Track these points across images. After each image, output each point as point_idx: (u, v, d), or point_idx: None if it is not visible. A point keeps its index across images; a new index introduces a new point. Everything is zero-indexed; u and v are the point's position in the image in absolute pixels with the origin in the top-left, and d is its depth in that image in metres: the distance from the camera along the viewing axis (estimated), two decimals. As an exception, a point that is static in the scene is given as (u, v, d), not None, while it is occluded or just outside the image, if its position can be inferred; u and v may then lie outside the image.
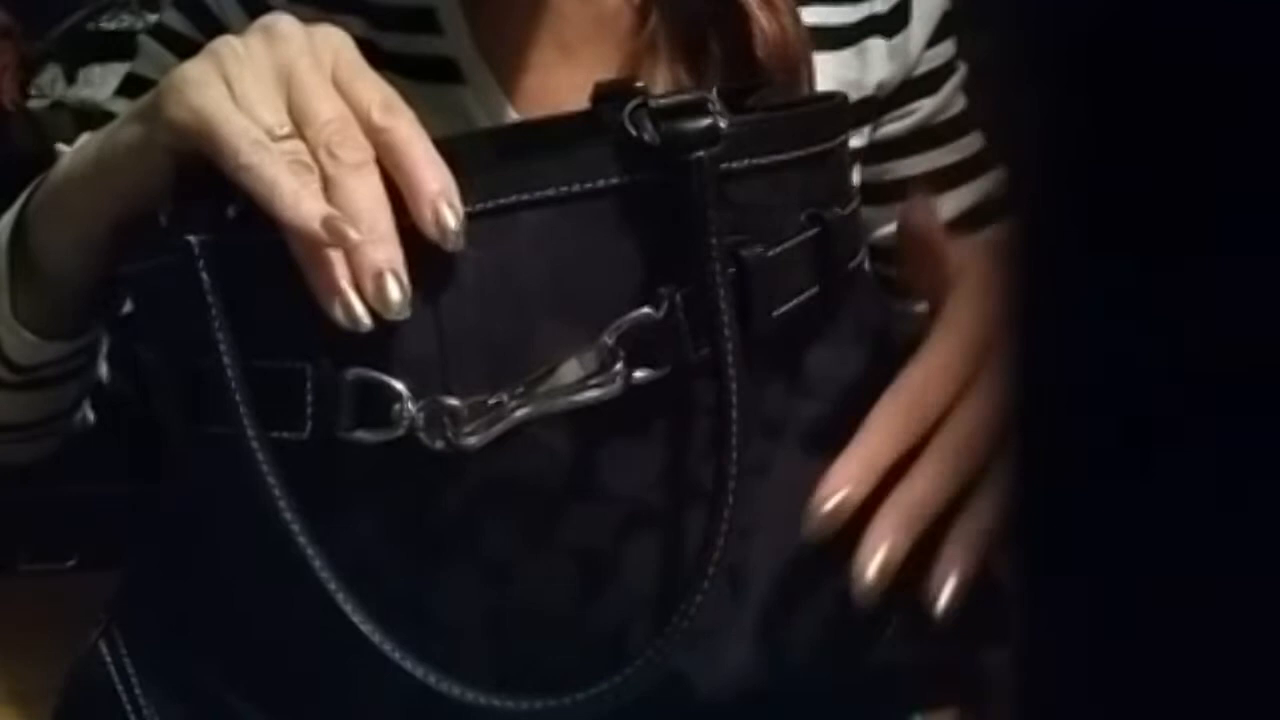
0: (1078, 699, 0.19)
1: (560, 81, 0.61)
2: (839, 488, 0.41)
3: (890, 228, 0.68)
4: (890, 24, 0.65)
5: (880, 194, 0.67)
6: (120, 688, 0.48)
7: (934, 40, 0.66)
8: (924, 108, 0.66)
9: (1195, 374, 0.16)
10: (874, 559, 0.41)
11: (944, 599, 0.42)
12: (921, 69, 0.66)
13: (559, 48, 0.61)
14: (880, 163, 0.67)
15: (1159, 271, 0.16)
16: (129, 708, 0.47)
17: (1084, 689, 0.18)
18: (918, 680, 0.50)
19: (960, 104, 0.68)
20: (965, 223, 0.67)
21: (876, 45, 0.64)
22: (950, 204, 0.67)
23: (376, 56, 0.47)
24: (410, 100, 0.43)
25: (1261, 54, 0.15)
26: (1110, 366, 0.17)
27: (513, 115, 0.61)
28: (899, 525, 0.41)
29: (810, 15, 0.61)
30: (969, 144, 0.68)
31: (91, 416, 0.61)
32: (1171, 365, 0.16)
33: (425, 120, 0.42)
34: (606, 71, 0.60)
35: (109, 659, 0.48)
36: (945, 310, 0.46)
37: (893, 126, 0.66)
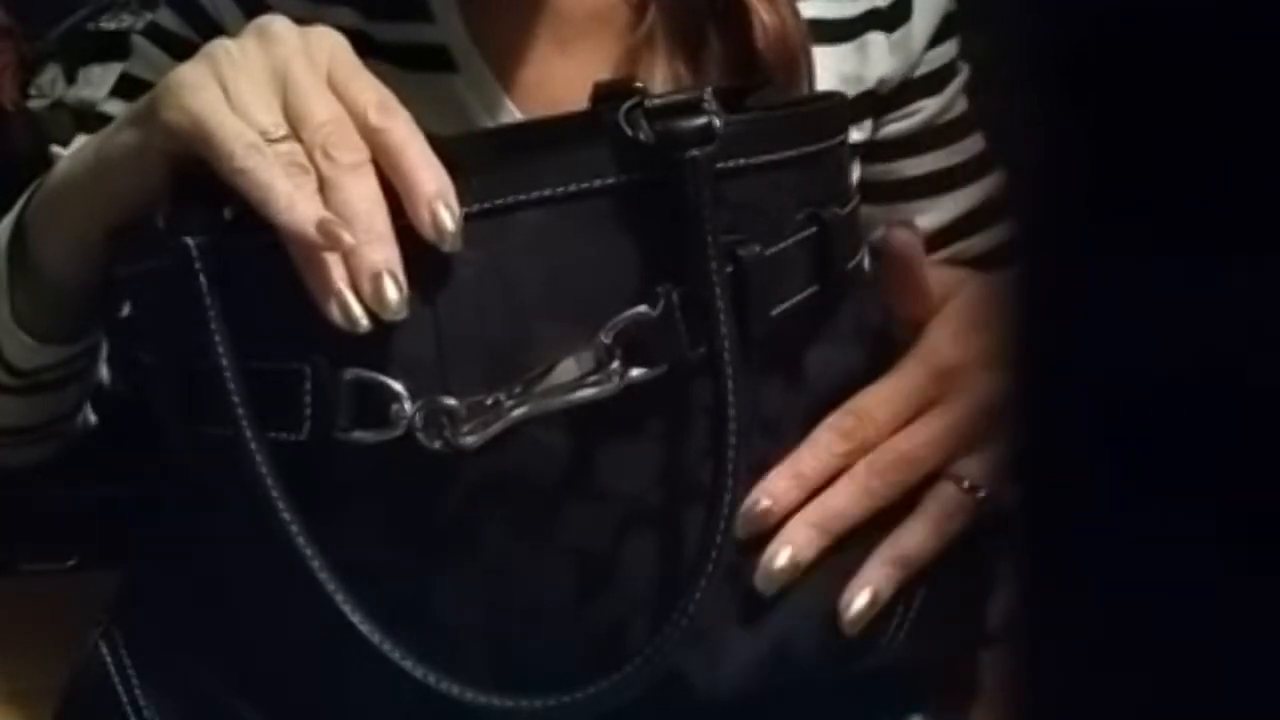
0: (1078, 699, 0.19)
1: (556, 71, 0.61)
2: (763, 496, 0.45)
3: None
4: (891, 19, 0.64)
5: (883, 193, 0.67)
6: (120, 688, 0.48)
7: (936, 39, 0.65)
8: (928, 108, 0.66)
9: (1198, 375, 0.16)
10: (779, 554, 0.45)
11: (852, 612, 0.46)
12: (924, 69, 0.66)
13: (554, 38, 0.61)
14: (883, 162, 0.67)
15: (1160, 273, 0.16)
16: (129, 708, 0.47)
17: (1084, 688, 0.18)
18: (918, 680, 0.50)
19: (962, 106, 0.68)
20: (966, 225, 0.66)
21: (877, 40, 0.64)
22: (951, 206, 0.66)
23: (368, 46, 0.46)
24: (403, 90, 0.43)
25: (1262, 53, 0.15)
26: (1112, 369, 0.17)
27: (507, 104, 0.61)
28: (809, 528, 0.45)
29: (808, 9, 0.61)
30: (970, 146, 0.68)
31: (93, 419, 0.61)
32: (1174, 368, 0.16)
33: (419, 110, 0.42)
34: (603, 64, 0.60)
35: (109, 659, 0.48)
36: (920, 336, 0.48)
37: (896, 126, 0.66)
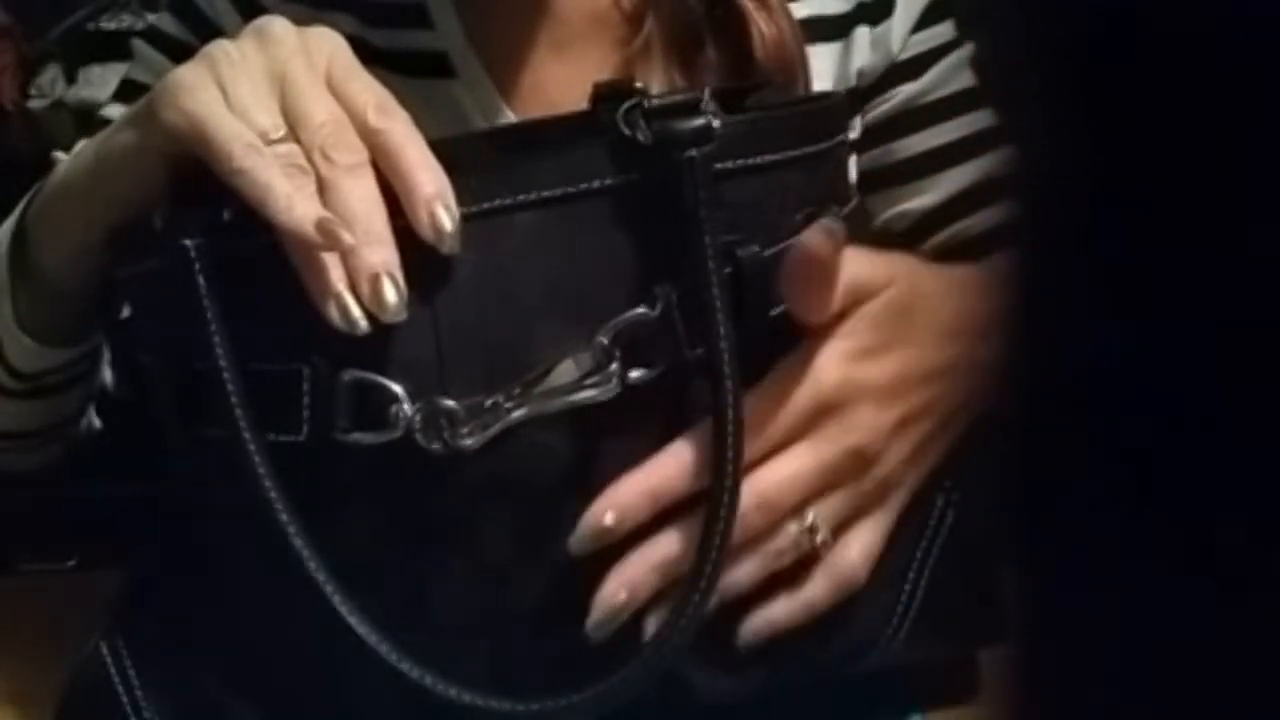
0: (1078, 699, 0.19)
1: (554, 77, 0.61)
2: (610, 510, 0.42)
3: (896, 208, 0.67)
4: (876, 12, 0.64)
5: (875, 181, 0.66)
6: (120, 688, 0.48)
7: (919, 27, 0.65)
8: (904, 92, 0.65)
9: (1195, 374, 0.16)
10: (618, 597, 0.42)
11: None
12: (905, 55, 0.65)
13: (552, 44, 0.61)
14: (876, 146, 0.67)
15: (1160, 270, 0.16)
16: (129, 708, 0.47)
17: (1084, 688, 0.18)
18: (918, 680, 0.50)
19: (960, 82, 0.66)
20: (963, 204, 0.66)
21: (862, 33, 0.64)
22: (947, 185, 0.66)
23: (367, 53, 0.47)
24: (402, 96, 0.43)
25: (1263, 53, 0.15)
26: (1109, 365, 0.17)
27: (505, 110, 0.61)
28: (633, 582, 0.42)
29: (801, 8, 0.61)
30: (970, 122, 0.66)
31: (97, 423, 0.61)
32: (1171, 365, 0.16)
33: (418, 116, 0.42)
34: (601, 71, 0.60)
35: (109, 660, 0.48)
36: (812, 349, 0.45)
37: (877, 111, 0.66)
